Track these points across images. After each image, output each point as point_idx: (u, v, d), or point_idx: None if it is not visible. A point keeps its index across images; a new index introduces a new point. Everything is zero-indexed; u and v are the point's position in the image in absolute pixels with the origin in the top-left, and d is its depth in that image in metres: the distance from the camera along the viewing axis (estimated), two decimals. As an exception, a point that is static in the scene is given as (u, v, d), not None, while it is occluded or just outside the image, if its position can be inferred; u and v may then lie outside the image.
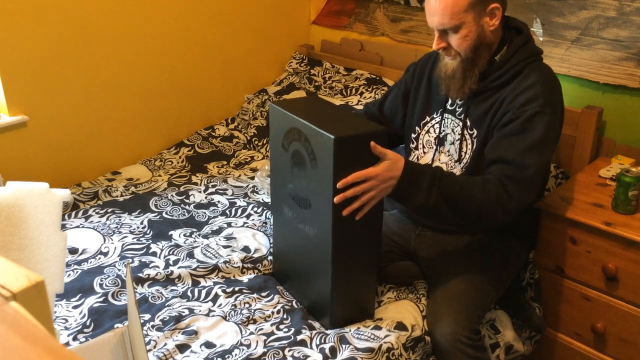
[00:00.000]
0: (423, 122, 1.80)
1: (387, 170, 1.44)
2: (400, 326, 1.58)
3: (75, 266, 1.78)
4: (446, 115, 1.73)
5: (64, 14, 2.14)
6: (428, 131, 1.79)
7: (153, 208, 2.12)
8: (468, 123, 1.68)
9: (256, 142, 2.63)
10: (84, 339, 1.49)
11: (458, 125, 1.70)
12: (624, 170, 1.71)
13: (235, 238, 1.94)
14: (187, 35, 2.54)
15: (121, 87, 2.38)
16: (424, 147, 1.80)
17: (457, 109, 1.71)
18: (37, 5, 2.07)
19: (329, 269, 1.51)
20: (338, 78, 2.77)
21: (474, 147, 1.67)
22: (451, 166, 1.73)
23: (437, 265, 1.76)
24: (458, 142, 1.70)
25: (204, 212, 2.11)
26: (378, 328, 1.57)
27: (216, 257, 1.82)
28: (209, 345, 1.49)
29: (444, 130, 1.74)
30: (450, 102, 1.72)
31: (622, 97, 2.05)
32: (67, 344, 1.48)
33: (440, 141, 1.76)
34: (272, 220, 2.04)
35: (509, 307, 1.85)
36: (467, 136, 1.68)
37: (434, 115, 1.76)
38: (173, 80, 2.54)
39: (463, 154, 1.70)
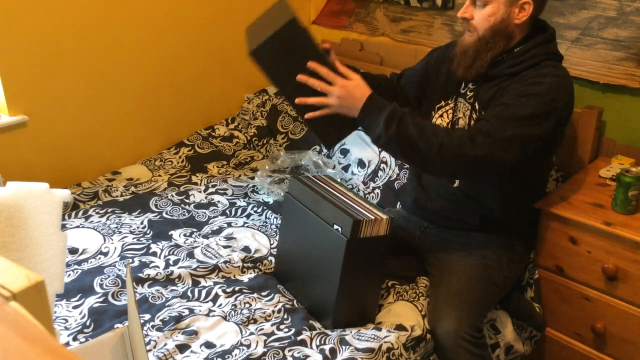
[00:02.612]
0: (438, 105, 1.81)
1: (354, 87, 1.52)
2: (400, 327, 1.58)
3: (75, 266, 1.78)
4: (459, 99, 1.75)
5: (64, 14, 2.14)
6: (441, 115, 1.80)
7: (153, 208, 2.12)
8: (477, 107, 1.69)
9: (256, 142, 2.63)
10: (84, 339, 1.49)
11: (468, 109, 1.71)
12: (624, 170, 1.71)
13: (235, 238, 1.94)
14: (188, 35, 2.54)
15: (121, 87, 2.38)
16: None
17: (468, 93, 1.72)
18: (37, 5, 2.07)
19: (338, 270, 1.51)
20: (338, 78, 2.76)
21: None
22: None
23: (440, 262, 1.76)
24: (467, 125, 1.72)
25: (204, 212, 2.11)
26: (378, 329, 1.57)
27: (216, 257, 1.82)
28: (209, 345, 1.49)
29: (456, 115, 1.76)
30: (463, 85, 1.73)
31: (622, 97, 2.05)
32: (67, 344, 1.48)
33: (452, 127, 1.77)
34: (277, 220, 2.04)
35: (509, 307, 1.86)
36: (475, 120, 1.69)
37: (449, 101, 1.78)
38: (173, 80, 2.54)
39: None
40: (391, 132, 1.47)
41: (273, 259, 1.83)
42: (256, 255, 1.85)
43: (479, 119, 1.58)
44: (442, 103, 1.80)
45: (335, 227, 1.53)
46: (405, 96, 1.96)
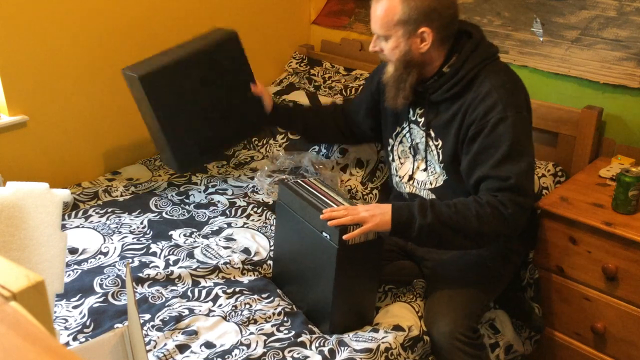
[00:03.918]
0: (395, 133, 1.83)
1: (373, 205, 1.55)
2: (397, 328, 1.58)
3: (75, 266, 1.78)
4: (412, 125, 1.76)
5: (64, 14, 2.14)
6: (401, 141, 1.82)
7: (153, 208, 2.11)
8: (432, 134, 1.69)
9: (256, 142, 2.63)
10: (84, 339, 1.49)
11: (423, 136, 1.72)
12: (624, 170, 1.71)
13: (235, 239, 1.93)
14: (188, 35, 2.54)
15: (121, 87, 2.38)
16: (399, 157, 1.84)
17: (419, 119, 1.73)
18: (37, 5, 2.07)
19: (332, 276, 1.51)
20: (338, 78, 2.77)
21: (440, 157, 1.68)
22: (431, 172, 1.74)
23: (434, 264, 1.77)
24: (430, 151, 1.72)
25: (204, 212, 2.11)
26: (375, 331, 1.57)
27: (216, 258, 1.82)
28: (209, 345, 1.49)
29: (414, 140, 1.76)
30: (411, 112, 1.74)
31: (622, 97, 2.05)
32: (67, 344, 1.48)
33: (414, 150, 1.78)
34: (274, 222, 2.04)
35: (508, 307, 1.86)
36: (433, 147, 1.69)
37: (404, 125, 1.79)
38: (173, 80, 2.54)
39: (433, 163, 1.71)
40: (429, 219, 1.49)
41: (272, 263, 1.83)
42: (256, 258, 1.84)
43: (477, 182, 1.57)
44: (398, 129, 1.81)
45: (324, 234, 1.52)
46: (350, 128, 2.03)
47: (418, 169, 1.78)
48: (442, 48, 1.61)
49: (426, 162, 1.74)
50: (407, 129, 1.77)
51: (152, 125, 1.88)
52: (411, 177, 1.81)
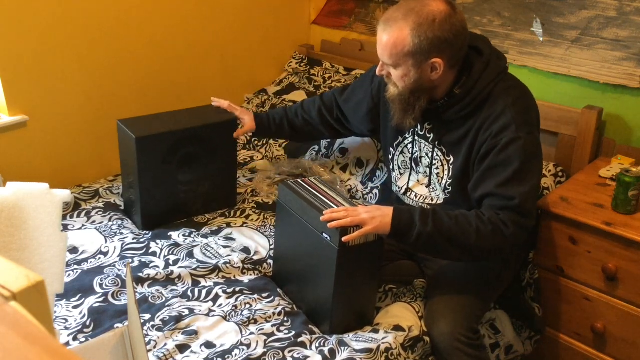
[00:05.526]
0: (396, 142, 1.81)
1: (373, 207, 1.53)
2: (397, 328, 1.58)
3: (75, 266, 1.78)
4: (418, 139, 1.74)
5: (64, 14, 2.14)
6: (402, 152, 1.80)
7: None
8: (444, 149, 1.67)
9: (256, 142, 2.63)
10: (84, 339, 1.49)
11: (432, 150, 1.70)
12: (624, 170, 1.71)
13: (234, 239, 1.93)
14: (187, 35, 2.54)
15: (121, 87, 2.38)
16: (399, 167, 1.83)
17: (428, 135, 1.70)
18: (37, 5, 2.06)
19: (332, 277, 1.51)
20: (338, 78, 2.77)
21: (451, 173, 1.67)
22: (433, 188, 1.73)
23: (435, 264, 1.77)
24: (435, 167, 1.71)
25: (204, 214, 2.11)
26: (376, 331, 1.57)
27: (216, 257, 1.82)
28: (209, 345, 1.49)
29: (417, 152, 1.75)
30: (419, 126, 1.72)
31: (622, 97, 2.05)
32: (67, 344, 1.48)
33: (416, 162, 1.76)
34: (273, 222, 2.04)
35: (509, 307, 1.86)
36: (444, 162, 1.69)
37: (407, 135, 1.77)
38: (173, 80, 2.54)
39: (440, 179, 1.71)
40: (429, 228, 1.48)
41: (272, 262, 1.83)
42: (255, 257, 1.84)
43: (482, 197, 1.56)
44: (400, 139, 1.79)
45: (325, 235, 1.51)
46: (342, 122, 2.00)
47: (419, 183, 1.77)
48: (452, 70, 1.57)
49: (429, 178, 1.74)
50: (410, 139, 1.76)
51: (128, 178, 2.00)
52: (409, 189, 1.81)
